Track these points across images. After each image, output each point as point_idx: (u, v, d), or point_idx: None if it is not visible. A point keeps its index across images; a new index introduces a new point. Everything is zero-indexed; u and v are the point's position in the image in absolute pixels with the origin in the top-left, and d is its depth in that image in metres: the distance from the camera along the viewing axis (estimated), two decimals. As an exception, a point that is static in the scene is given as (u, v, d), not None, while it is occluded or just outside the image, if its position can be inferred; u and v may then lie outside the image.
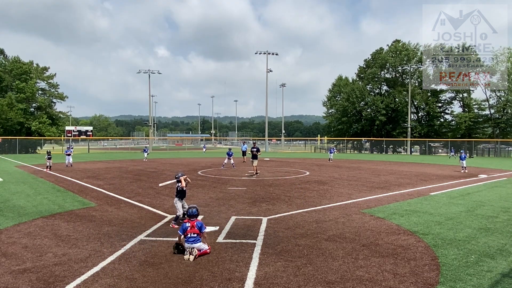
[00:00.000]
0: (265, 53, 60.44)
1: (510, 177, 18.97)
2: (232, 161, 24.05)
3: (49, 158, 22.12)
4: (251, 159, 19.17)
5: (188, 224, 6.04)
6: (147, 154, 34.94)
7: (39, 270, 5.26)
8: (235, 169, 22.38)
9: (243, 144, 30.78)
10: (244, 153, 28.35)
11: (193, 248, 5.82)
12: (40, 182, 16.12)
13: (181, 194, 8.09)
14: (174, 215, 8.27)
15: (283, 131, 67.93)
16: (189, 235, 5.90)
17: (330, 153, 33.68)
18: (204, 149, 54.03)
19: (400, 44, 61.15)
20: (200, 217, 8.61)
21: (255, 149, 18.81)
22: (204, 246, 5.98)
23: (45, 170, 21.49)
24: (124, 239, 6.86)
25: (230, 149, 25.74)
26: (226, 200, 11.36)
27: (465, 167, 22.01)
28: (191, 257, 5.73)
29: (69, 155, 24.76)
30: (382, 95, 63.26)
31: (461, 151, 25.23)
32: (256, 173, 18.70)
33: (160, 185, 9.54)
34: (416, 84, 59.81)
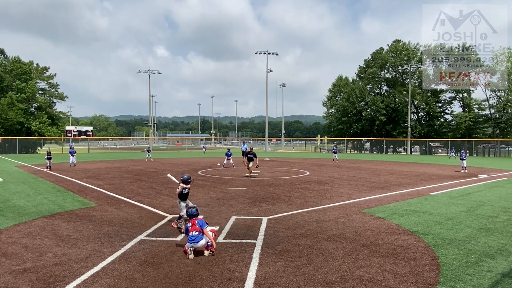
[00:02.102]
0: (265, 53, 60.44)
1: (510, 177, 18.97)
2: (231, 161, 24.05)
3: (49, 158, 22.18)
4: (247, 161, 18.78)
5: (189, 224, 6.08)
6: (149, 154, 34.67)
7: (39, 270, 5.27)
8: (235, 169, 22.39)
9: (243, 144, 30.82)
10: (244, 153, 28.42)
11: (193, 247, 5.86)
12: (40, 182, 16.12)
13: (181, 196, 8.08)
14: (177, 215, 8.27)
15: (283, 131, 67.93)
16: (191, 234, 5.91)
17: (334, 153, 33.73)
18: (204, 149, 53.96)
19: (400, 44, 61.19)
20: (200, 217, 8.61)
21: (252, 155, 18.41)
22: (205, 243, 5.97)
23: (45, 170, 21.50)
24: (124, 239, 6.86)
25: (229, 149, 25.74)
26: (226, 200, 11.36)
27: (465, 167, 22.00)
28: (191, 256, 5.79)
29: (73, 155, 24.86)
30: (382, 95, 63.28)
31: (462, 151, 25.20)
32: (255, 173, 18.50)
33: (169, 175, 9.29)
34: (416, 84, 59.82)
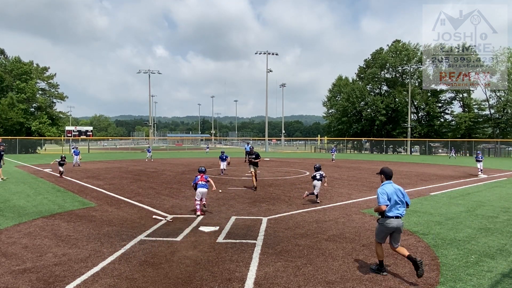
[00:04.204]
0: (265, 53, 60.43)
1: (510, 177, 18.97)
2: (224, 166, 20.64)
3: (62, 164, 18.47)
4: (250, 165, 14.47)
5: (198, 177, 9.05)
6: (150, 154, 34.07)
7: (39, 270, 5.27)
8: (234, 171, 22.34)
9: (247, 145, 30.70)
10: (247, 153, 28.18)
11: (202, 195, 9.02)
12: (40, 182, 16.12)
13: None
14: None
15: (283, 131, 67.95)
16: (200, 183, 8.97)
17: (332, 152, 33.69)
18: (207, 150, 53.90)
19: (400, 44, 61.20)
20: (200, 217, 8.68)
21: (253, 156, 14.23)
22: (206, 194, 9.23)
23: (58, 175, 18.42)
24: (124, 239, 6.86)
25: (222, 152, 21.80)
26: (226, 200, 11.36)
27: (481, 169, 20.23)
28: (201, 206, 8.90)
29: (77, 155, 24.81)
30: (382, 95, 63.30)
31: (478, 152, 21.88)
32: (256, 182, 14.14)
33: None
34: (416, 84, 59.84)
